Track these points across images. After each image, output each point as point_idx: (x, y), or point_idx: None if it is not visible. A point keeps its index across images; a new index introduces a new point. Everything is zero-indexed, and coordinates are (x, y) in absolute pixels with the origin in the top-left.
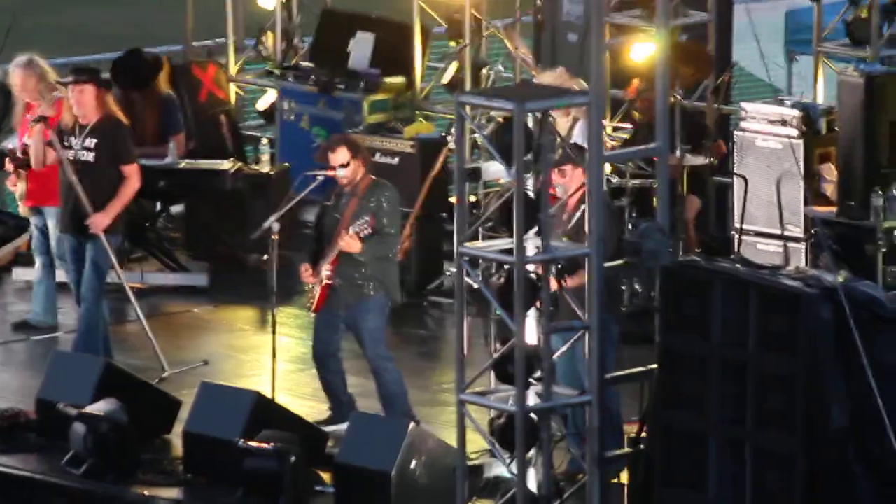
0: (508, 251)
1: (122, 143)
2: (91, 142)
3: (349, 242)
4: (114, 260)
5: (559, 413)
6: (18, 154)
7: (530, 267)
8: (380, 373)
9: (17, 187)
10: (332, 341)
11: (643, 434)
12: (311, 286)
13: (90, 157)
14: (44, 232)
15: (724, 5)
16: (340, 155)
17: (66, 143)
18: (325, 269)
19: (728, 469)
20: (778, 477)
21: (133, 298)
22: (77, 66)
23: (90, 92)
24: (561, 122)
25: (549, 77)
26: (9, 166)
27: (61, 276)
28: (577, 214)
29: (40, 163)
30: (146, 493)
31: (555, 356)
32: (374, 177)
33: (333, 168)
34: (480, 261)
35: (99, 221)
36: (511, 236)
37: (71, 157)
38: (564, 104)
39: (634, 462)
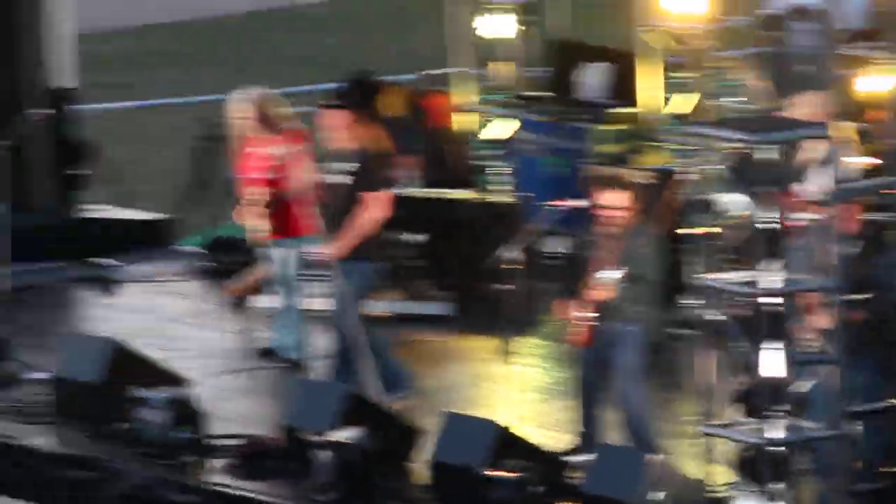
0: (750, 282)
1: (370, 169)
2: (350, 166)
3: (602, 293)
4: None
5: (807, 447)
6: (261, 191)
7: (771, 299)
8: (628, 408)
9: (253, 221)
10: (596, 373)
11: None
12: (566, 321)
13: (347, 180)
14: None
15: None
16: (620, 198)
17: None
18: (587, 309)
19: None
20: None
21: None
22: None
23: (345, 117)
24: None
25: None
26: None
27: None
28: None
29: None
30: None
31: (804, 388)
32: (636, 217)
33: (569, 199)
34: (724, 292)
35: (331, 252)
36: (752, 268)
37: (333, 182)
38: (801, 136)
39: (883, 496)
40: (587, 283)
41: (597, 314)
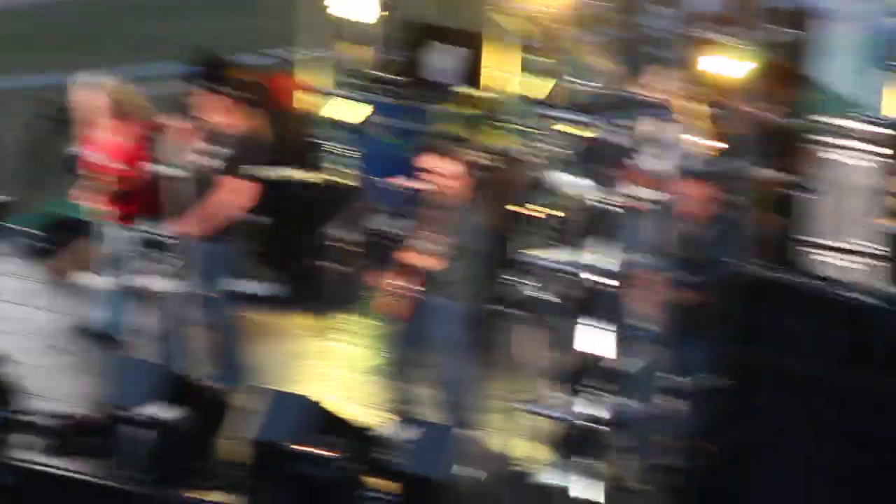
0: (573, 262)
1: (238, 155)
2: (221, 150)
3: (426, 261)
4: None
5: (619, 423)
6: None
7: (585, 276)
8: (446, 380)
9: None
10: (409, 350)
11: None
12: (382, 294)
13: (205, 161)
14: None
15: (810, 22)
16: (433, 162)
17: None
18: (408, 282)
19: (797, 483)
20: (845, 491)
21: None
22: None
23: (212, 101)
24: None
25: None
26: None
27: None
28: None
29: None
30: (200, 497)
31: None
32: (458, 192)
33: (410, 178)
34: (542, 270)
35: (185, 231)
36: (574, 247)
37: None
38: (644, 116)
39: (696, 476)
40: (409, 254)
41: (416, 286)
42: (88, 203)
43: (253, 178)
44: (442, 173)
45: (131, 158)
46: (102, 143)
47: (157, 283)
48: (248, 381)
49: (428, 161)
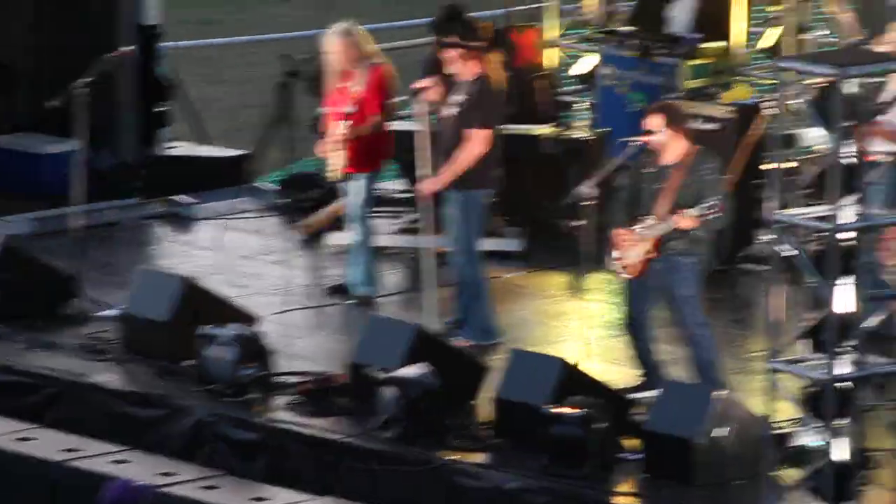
0: (823, 218)
1: (475, 104)
2: (459, 98)
3: (688, 222)
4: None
5: (873, 382)
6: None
7: (845, 235)
8: (696, 340)
9: (333, 156)
10: (645, 308)
11: None
12: (620, 253)
13: (453, 111)
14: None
15: None
16: (654, 121)
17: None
18: (649, 243)
19: None
20: None
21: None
22: (435, 23)
23: (457, 54)
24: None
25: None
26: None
27: (380, 241)
28: None
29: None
30: (455, 457)
31: (868, 324)
32: (696, 147)
33: (649, 134)
34: (796, 228)
35: (429, 186)
36: (827, 203)
37: (444, 115)
38: (885, 70)
39: None
40: (651, 217)
41: (656, 252)
42: (329, 157)
43: (494, 127)
44: (668, 132)
45: (372, 108)
46: (339, 93)
47: (400, 240)
48: (497, 338)
49: (652, 121)
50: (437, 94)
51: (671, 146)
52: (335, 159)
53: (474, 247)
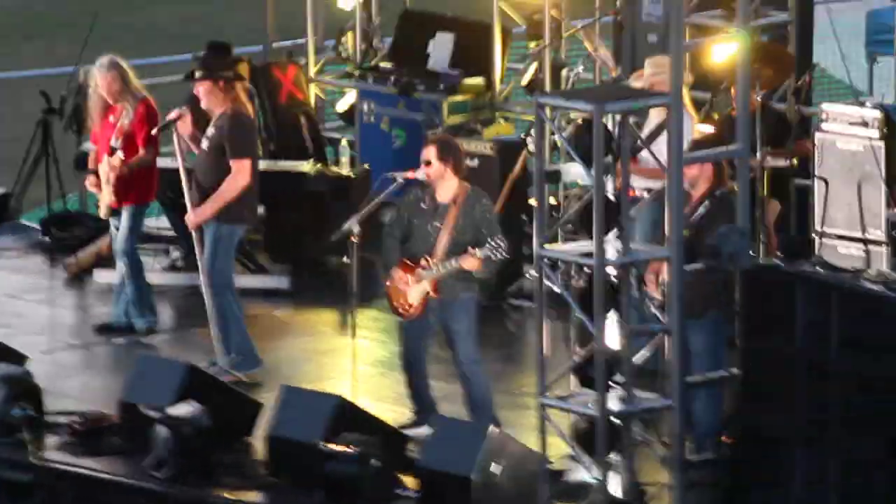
0: (589, 254)
1: (232, 136)
2: (211, 131)
3: (474, 263)
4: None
5: (640, 417)
6: (111, 159)
7: (611, 270)
8: (469, 377)
9: (103, 192)
10: (422, 346)
11: (725, 438)
12: (395, 290)
13: (205, 145)
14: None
15: (805, 6)
16: (428, 153)
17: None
18: (428, 284)
19: (813, 471)
20: (862, 480)
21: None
22: (197, 57)
23: (207, 87)
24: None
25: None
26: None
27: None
28: (700, 211)
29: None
30: (228, 496)
31: (635, 359)
32: (468, 185)
33: (413, 170)
34: (560, 263)
35: (192, 221)
36: (591, 239)
37: (200, 149)
38: (642, 106)
39: (719, 466)
40: (430, 255)
41: (436, 290)
42: (102, 195)
43: (252, 157)
44: (440, 166)
45: (139, 141)
46: (105, 128)
47: (166, 277)
48: (258, 364)
49: (427, 153)
50: (186, 126)
51: (445, 182)
52: (104, 195)
53: (229, 279)
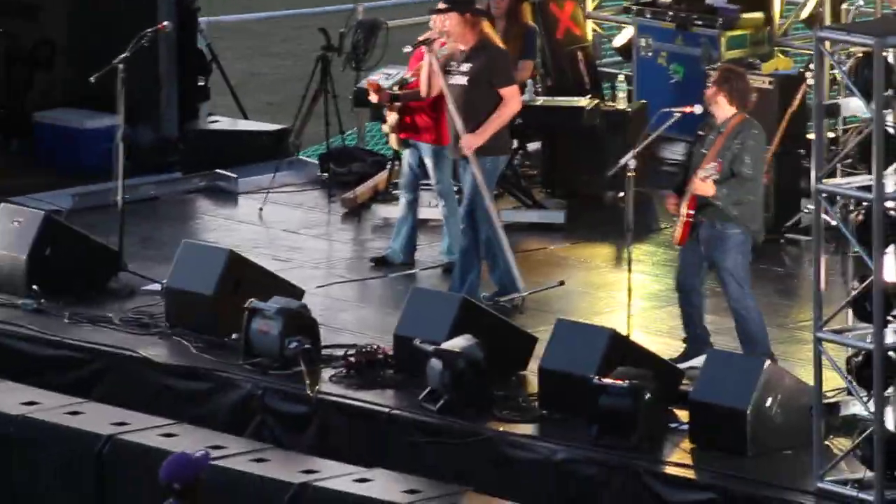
0: (867, 188)
1: (496, 67)
2: (466, 66)
3: (701, 186)
4: (480, 180)
5: None
6: (395, 90)
7: (889, 204)
8: (740, 312)
9: (389, 118)
10: (696, 275)
11: None
12: (674, 219)
13: (464, 80)
14: (413, 168)
15: None
16: (711, 82)
17: (448, 70)
18: (685, 207)
19: None
20: None
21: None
22: None
23: (455, 19)
24: None
25: None
26: (384, 101)
27: (424, 213)
28: None
29: (425, 89)
30: (502, 428)
31: None
32: (745, 115)
33: (690, 105)
34: (839, 198)
35: (469, 142)
36: (870, 173)
37: (452, 83)
38: None
39: None
40: (689, 183)
41: (692, 215)
42: (387, 125)
43: (517, 87)
44: (714, 90)
45: (414, 77)
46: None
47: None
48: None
49: (707, 89)
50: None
51: (719, 108)
52: (391, 122)
53: (487, 209)
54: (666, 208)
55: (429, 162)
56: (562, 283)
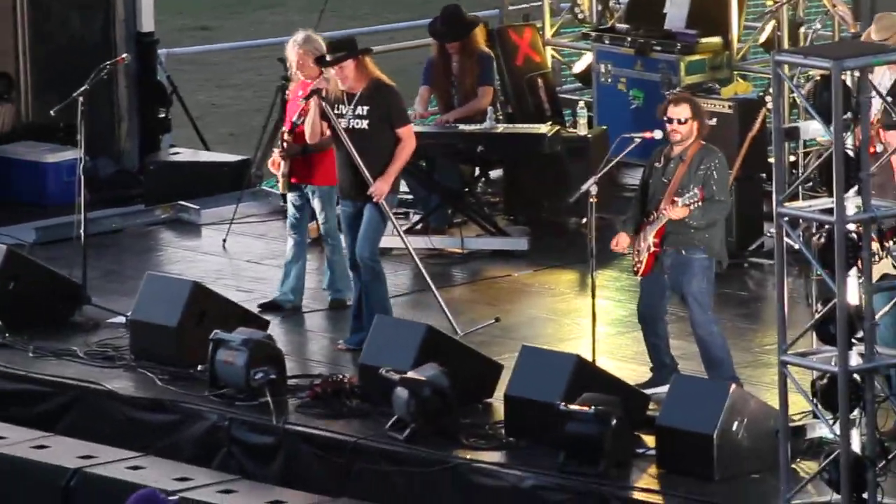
0: (828, 211)
1: (395, 107)
2: (362, 109)
3: (679, 213)
4: (392, 220)
5: (882, 373)
6: (286, 136)
7: (851, 226)
8: (704, 337)
9: (282, 166)
10: (659, 304)
11: None
12: (633, 250)
13: (363, 124)
14: (299, 209)
15: None
16: (682, 110)
17: (337, 113)
18: (651, 236)
19: None
20: None
21: (418, 262)
22: (330, 42)
23: (349, 66)
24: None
25: (879, 29)
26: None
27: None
28: None
29: (316, 136)
30: (469, 456)
31: (877, 316)
32: (702, 142)
33: (650, 131)
34: (800, 221)
35: (380, 189)
36: (831, 196)
37: (345, 127)
38: (882, 61)
39: None
40: (655, 211)
41: (658, 244)
42: (279, 173)
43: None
44: (683, 125)
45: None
46: (292, 104)
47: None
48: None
49: (672, 111)
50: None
51: (688, 137)
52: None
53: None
54: (618, 242)
55: (316, 203)
56: (497, 321)
